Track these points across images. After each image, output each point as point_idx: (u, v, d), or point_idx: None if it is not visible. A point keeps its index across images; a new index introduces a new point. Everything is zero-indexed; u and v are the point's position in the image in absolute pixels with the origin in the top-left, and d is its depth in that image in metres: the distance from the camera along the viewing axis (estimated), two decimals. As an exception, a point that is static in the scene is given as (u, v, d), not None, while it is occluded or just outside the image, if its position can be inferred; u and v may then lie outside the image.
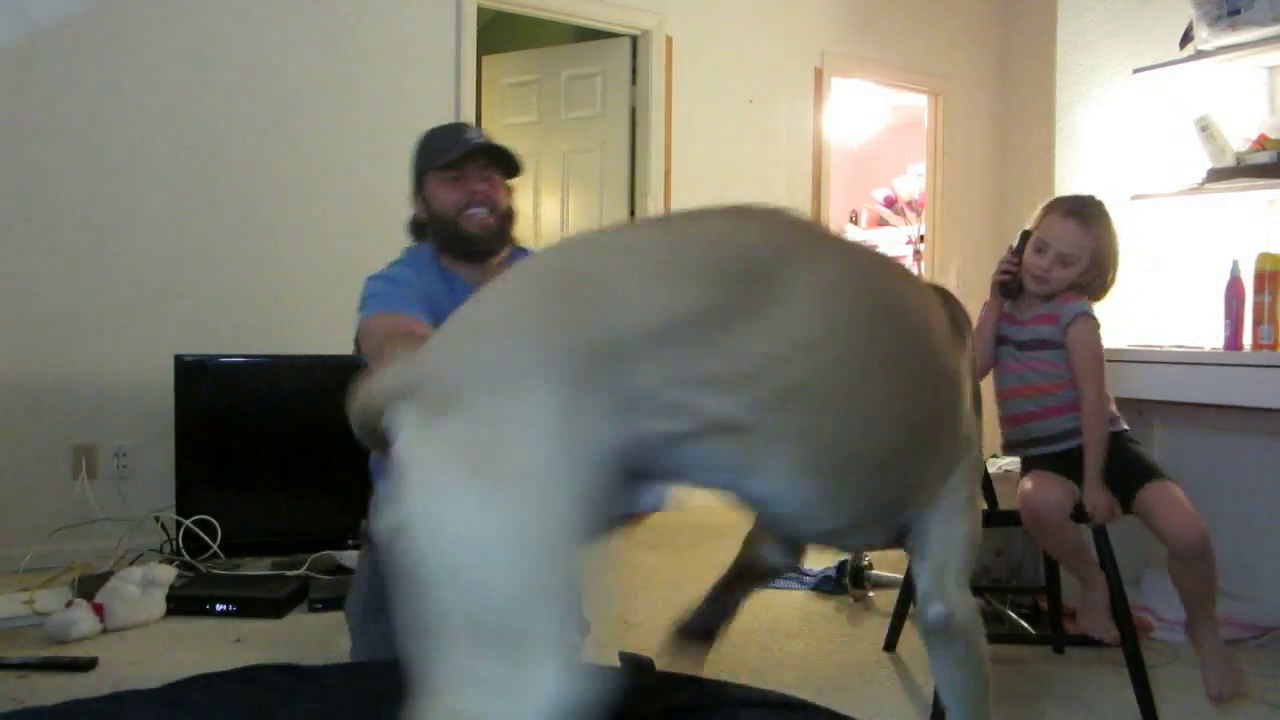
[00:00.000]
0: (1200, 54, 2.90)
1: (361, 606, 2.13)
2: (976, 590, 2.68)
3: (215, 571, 3.00)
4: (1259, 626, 2.59)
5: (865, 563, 3.03)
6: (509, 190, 2.08)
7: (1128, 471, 2.09)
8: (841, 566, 3.08)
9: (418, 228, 2.12)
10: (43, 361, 3.22)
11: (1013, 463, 2.86)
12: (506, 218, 2.05)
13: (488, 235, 2.00)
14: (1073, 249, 2.05)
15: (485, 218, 1.99)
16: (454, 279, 2.02)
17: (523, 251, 2.13)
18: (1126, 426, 2.20)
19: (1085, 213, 2.09)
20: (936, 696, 2.07)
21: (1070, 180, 3.44)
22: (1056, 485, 2.07)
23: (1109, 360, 2.20)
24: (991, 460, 2.95)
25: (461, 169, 2.00)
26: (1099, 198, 2.18)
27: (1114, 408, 2.19)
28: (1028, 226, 2.16)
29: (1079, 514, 2.09)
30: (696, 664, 1.63)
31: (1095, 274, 2.12)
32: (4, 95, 3.16)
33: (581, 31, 4.59)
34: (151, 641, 2.52)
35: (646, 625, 2.72)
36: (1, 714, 1.65)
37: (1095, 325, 2.08)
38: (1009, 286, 2.13)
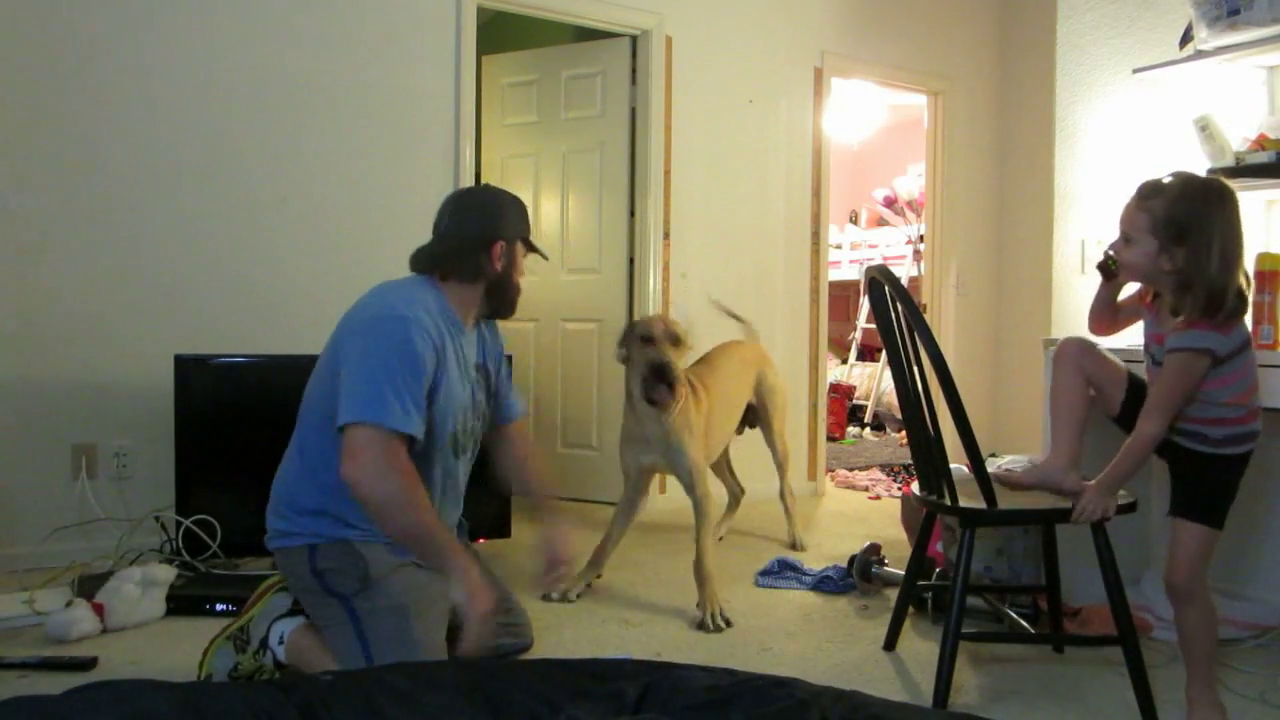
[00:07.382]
0: (1200, 54, 2.90)
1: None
2: (977, 590, 2.71)
3: (215, 571, 2.99)
4: (1259, 626, 2.60)
5: (874, 557, 3.04)
6: None
7: (1187, 493, 2.03)
8: (851, 561, 3.08)
9: (460, 265, 2.22)
10: (43, 361, 3.22)
11: (1012, 460, 2.86)
12: None
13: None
14: (1127, 226, 1.99)
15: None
16: (460, 324, 2.23)
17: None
18: (1241, 451, 2.03)
19: (1141, 189, 1.99)
20: (937, 696, 2.08)
21: (1070, 181, 3.44)
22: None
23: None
24: (990, 459, 2.95)
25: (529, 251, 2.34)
26: (1185, 171, 2.05)
27: (1258, 422, 2.02)
28: None
29: (1064, 514, 2.08)
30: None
31: (1181, 258, 1.94)
32: (4, 95, 3.17)
33: (581, 31, 4.59)
34: (151, 641, 2.52)
35: (645, 625, 2.72)
36: None
37: (1190, 362, 1.93)
38: (1105, 266, 2.12)
